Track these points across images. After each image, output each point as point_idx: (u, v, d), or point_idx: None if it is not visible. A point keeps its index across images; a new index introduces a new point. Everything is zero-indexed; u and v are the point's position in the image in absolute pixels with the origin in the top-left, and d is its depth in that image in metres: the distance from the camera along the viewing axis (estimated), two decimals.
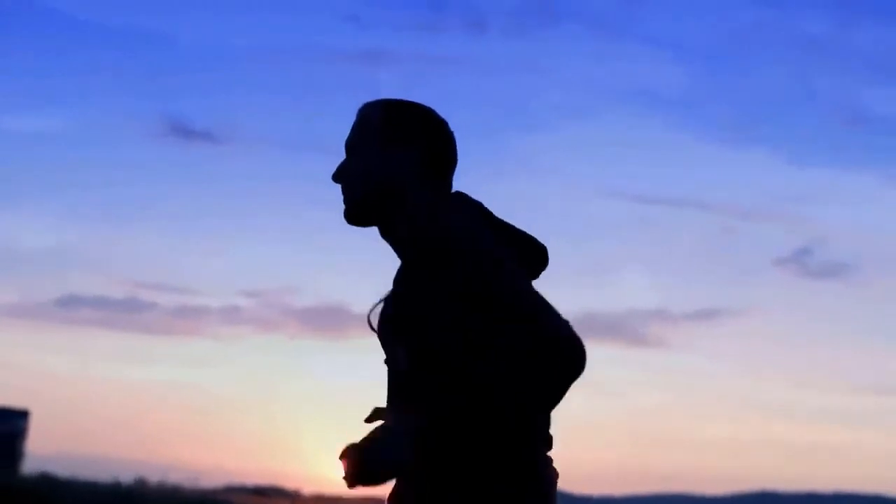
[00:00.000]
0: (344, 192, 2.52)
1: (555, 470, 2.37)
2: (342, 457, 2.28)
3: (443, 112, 2.57)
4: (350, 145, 2.54)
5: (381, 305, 2.50)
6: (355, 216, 2.51)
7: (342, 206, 2.53)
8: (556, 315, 2.23)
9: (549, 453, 2.39)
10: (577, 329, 2.34)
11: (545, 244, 2.48)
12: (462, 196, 2.47)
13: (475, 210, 2.43)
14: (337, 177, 2.53)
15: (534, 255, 2.45)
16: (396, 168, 2.46)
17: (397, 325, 2.39)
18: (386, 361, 2.47)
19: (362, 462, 2.25)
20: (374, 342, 2.48)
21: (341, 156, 2.54)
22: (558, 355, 2.18)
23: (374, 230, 2.53)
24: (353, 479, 2.27)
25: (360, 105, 2.58)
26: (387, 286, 2.52)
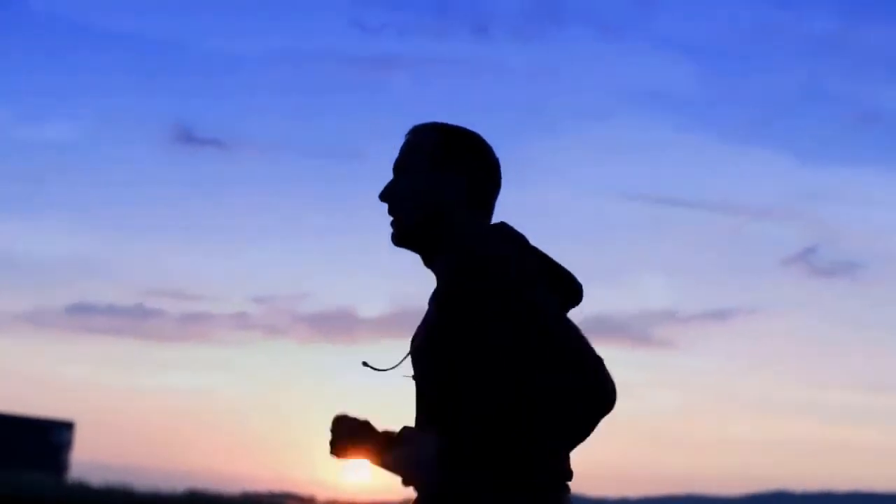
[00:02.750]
0: (391, 212, 2.54)
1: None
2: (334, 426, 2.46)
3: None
4: (400, 166, 2.55)
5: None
6: (404, 239, 2.53)
7: (388, 228, 2.55)
8: (595, 358, 2.29)
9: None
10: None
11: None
12: (505, 227, 2.49)
13: (518, 242, 2.46)
14: (385, 196, 2.55)
15: (568, 291, 2.47)
16: (447, 193, 2.49)
17: (427, 346, 2.42)
18: (414, 377, 2.51)
19: (339, 433, 2.43)
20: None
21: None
22: (595, 399, 2.25)
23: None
24: (332, 447, 2.46)
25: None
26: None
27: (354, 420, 2.43)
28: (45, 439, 37.27)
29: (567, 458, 2.39)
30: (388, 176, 2.59)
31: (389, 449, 2.38)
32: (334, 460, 2.46)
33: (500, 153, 2.57)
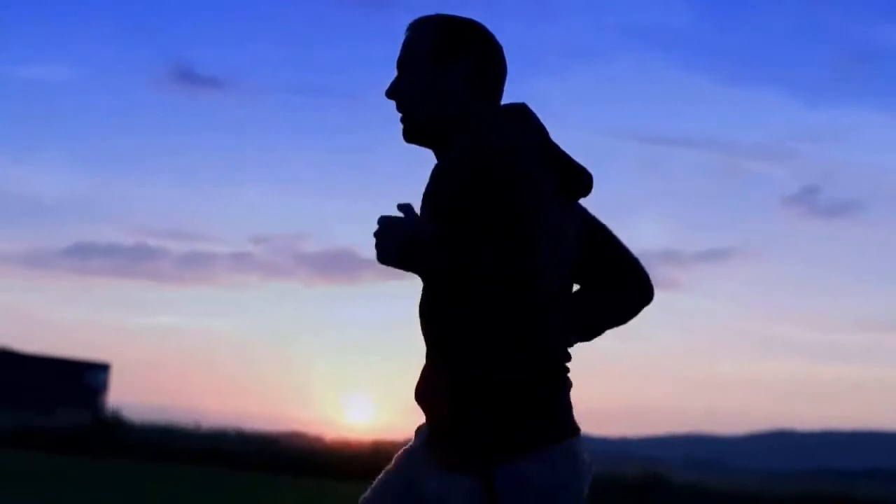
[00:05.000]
0: (400, 109, 2.53)
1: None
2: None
3: None
4: (402, 63, 2.54)
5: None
6: (415, 135, 2.52)
7: (399, 126, 2.53)
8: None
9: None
10: None
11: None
12: (523, 110, 2.49)
13: (530, 128, 2.47)
14: (391, 93, 2.54)
15: (575, 181, 2.48)
16: (452, 84, 2.48)
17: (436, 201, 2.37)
18: None
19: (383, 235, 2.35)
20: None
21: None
22: (642, 281, 2.49)
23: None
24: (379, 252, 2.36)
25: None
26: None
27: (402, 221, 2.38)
28: (80, 381, 37.10)
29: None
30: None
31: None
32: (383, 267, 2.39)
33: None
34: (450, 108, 2.48)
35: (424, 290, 2.44)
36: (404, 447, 2.56)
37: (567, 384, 2.41)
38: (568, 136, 2.47)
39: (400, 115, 2.53)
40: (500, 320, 2.32)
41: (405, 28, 2.56)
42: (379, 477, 2.54)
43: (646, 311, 2.53)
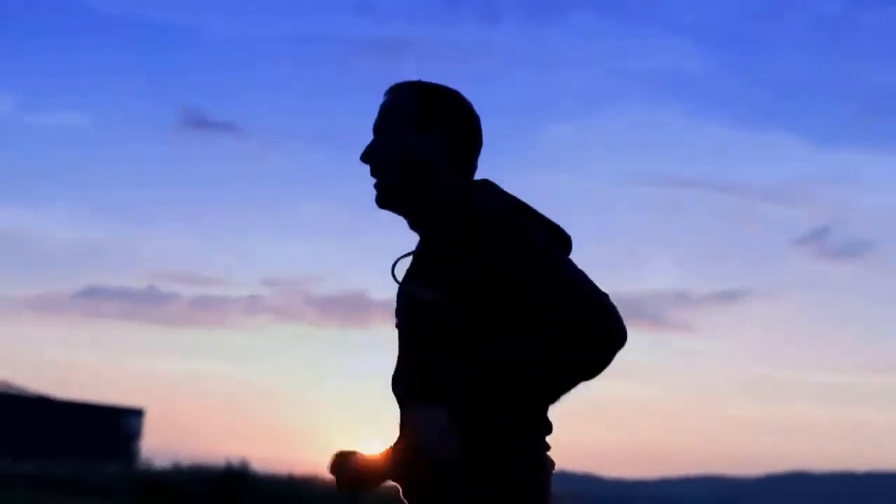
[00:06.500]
0: (374, 174, 2.48)
1: (551, 459, 2.36)
2: (333, 466, 2.37)
3: None
4: (379, 127, 2.49)
5: (408, 259, 2.48)
6: (388, 200, 2.47)
7: (372, 190, 2.49)
8: (596, 288, 2.25)
9: (548, 438, 2.37)
10: None
11: (568, 231, 2.44)
12: (490, 184, 2.44)
13: (507, 195, 2.40)
14: (366, 157, 2.48)
15: (561, 243, 2.40)
16: (428, 151, 2.43)
17: (419, 291, 2.36)
18: (397, 326, 2.45)
19: (345, 472, 2.35)
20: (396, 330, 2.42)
21: (359, 145, 2.52)
22: (606, 325, 2.21)
23: (400, 219, 2.50)
24: (343, 488, 2.38)
25: (379, 93, 2.54)
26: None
27: (353, 454, 2.38)
28: (119, 427, 36.50)
29: (546, 410, 2.35)
30: None
31: (391, 459, 2.33)
32: (345, 497, 2.95)
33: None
34: (426, 175, 2.44)
35: (404, 364, 2.40)
36: None
37: (550, 466, 2.36)
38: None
39: (374, 180, 2.49)
40: (503, 407, 2.25)
41: (384, 92, 2.53)
42: None
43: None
